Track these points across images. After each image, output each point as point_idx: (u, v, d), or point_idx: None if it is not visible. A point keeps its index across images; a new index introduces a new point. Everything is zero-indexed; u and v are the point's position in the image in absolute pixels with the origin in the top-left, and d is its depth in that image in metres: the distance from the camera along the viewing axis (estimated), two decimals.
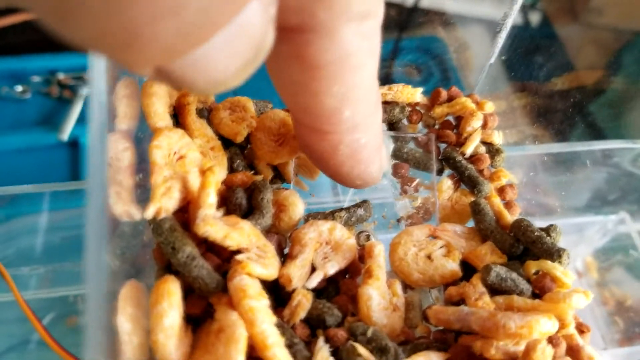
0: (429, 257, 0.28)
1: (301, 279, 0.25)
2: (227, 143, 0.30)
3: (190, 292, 0.24)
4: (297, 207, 0.28)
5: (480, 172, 0.32)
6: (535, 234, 0.27)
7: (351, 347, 0.23)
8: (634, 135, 0.45)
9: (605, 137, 0.46)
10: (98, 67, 0.17)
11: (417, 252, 0.28)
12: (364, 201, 0.29)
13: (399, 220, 0.31)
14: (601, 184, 0.47)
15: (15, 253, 0.53)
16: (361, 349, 0.23)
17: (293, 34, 0.19)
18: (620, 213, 0.48)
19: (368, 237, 0.28)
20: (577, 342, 0.25)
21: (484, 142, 0.33)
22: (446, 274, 0.27)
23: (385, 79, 0.38)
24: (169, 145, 0.25)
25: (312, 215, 0.28)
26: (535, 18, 0.57)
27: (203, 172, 0.25)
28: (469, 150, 0.32)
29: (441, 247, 0.28)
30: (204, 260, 0.24)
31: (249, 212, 0.27)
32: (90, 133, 0.16)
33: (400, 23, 0.72)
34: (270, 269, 0.24)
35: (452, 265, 0.27)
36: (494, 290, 0.26)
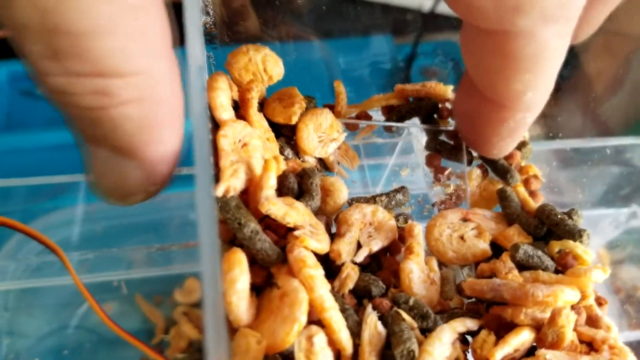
0: (462, 237, 0.30)
1: (349, 254, 0.28)
2: (276, 134, 0.33)
3: (251, 264, 0.27)
4: (342, 192, 0.31)
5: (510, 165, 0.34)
6: (559, 216, 0.30)
7: (395, 314, 0.26)
8: None
9: (617, 134, 0.49)
10: (194, 61, 0.20)
11: (451, 233, 0.31)
12: (402, 187, 0.32)
13: (433, 205, 0.34)
14: (613, 179, 0.50)
15: (60, 241, 0.56)
16: (405, 315, 0.26)
17: (496, 34, 0.23)
18: (632, 206, 0.50)
19: (406, 219, 0.31)
20: (596, 312, 0.28)
21: None
22: (478, 252, 0.30)
23: (404, 81, 0.40)
24: (233, 134, 0.28)
25: (355, 199, 0.31)
26: None
27: (266, 159, 0.27)
28: None
29: (473, 228, 0.31)
30: (265, 235, 0.27)
31: (300, 195, 0.30)
32: (193, 124, 0.19)
33: (417, 28, 0.75)
34: (323, 244, 0.27)
35: (483, 245, 0.30)
36: (522, 266, 0.29)
